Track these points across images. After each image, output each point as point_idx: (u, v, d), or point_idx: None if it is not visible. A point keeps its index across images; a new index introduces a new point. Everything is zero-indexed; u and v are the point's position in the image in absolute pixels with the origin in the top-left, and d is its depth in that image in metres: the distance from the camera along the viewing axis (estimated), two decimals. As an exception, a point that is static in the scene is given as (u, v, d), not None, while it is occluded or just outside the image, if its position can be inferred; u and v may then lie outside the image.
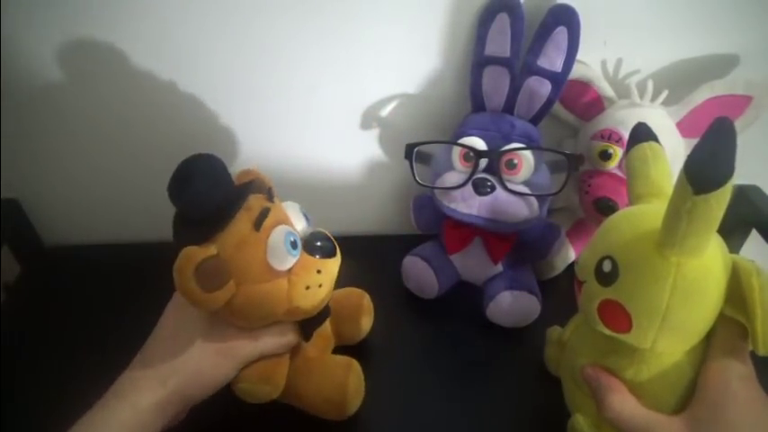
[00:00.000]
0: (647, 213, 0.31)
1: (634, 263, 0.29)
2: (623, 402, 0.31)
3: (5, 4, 0.42)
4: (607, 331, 0.31)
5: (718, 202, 0.25)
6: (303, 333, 0.38)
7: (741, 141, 0.45)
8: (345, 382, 0.38)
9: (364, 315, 0.44)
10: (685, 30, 0.46)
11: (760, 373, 0.30)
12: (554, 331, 0.42)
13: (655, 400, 0.31)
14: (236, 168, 0.53)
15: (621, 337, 0.30)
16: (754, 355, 0.29)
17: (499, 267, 0.48)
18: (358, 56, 0.46)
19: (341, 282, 0.52)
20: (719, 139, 0.25)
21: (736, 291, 0.28)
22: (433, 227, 0.50)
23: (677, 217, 0.26)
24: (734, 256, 0.30)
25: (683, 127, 0.45)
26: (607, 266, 0.30)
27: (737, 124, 0.44)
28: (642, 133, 0.35)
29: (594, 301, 0.31)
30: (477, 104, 0.46)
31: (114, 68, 0.46)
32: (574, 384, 0.37)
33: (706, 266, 0.28)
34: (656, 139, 0.35)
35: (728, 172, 0.25)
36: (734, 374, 0.29)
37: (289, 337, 0.38)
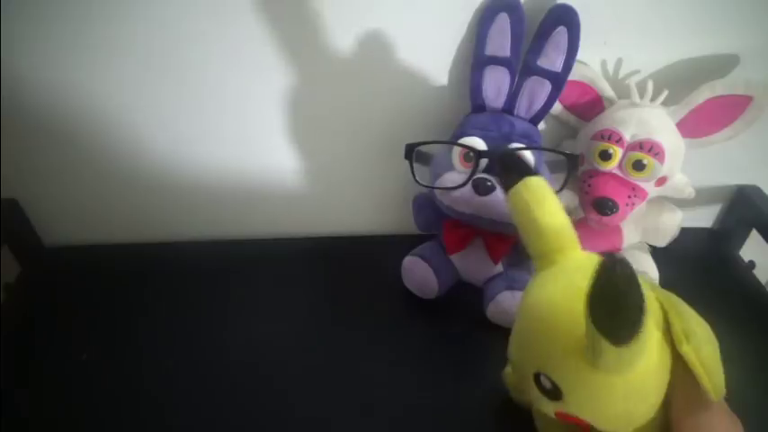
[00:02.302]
0: (564, 311, 0.27)
1: (574, 385, 0.27)
2: None
3: (5, 4, 0.42)
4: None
5: (637, 346, 0.23)
6: None
7: (741, 141, 0.46)
8: None
9: None
10: (685, 30, 0.46)
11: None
12: (508, 373, 0.40)
13: None
14: (238, 169, 0.53)
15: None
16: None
17: (499, 267, 0.48)
18: (358, 56, 0.46)
19: (340, 282, 0.53)
20: (618, 280, 0.22)
21: (673, 325, 0.27)
22: (433, 227, 0.50)
23: (602, 362, 0.24)
24: (662, 300, 0.27)
25: (684, 127, 0.45)
26: (546, 383, 0.27)
27: (737, 124, 0.44)
28: (514, 171, 0.30)
29: (548, 409, 0.29)
30: (477, 104, 0.46)
31: (116, 68, 0.46)
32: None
33: (649, 367, 0.26)
34: (530, 171, 0.31)
35: (638, 318, 0.22)
36: (704, 420, 0.27)
37: None
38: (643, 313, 0.22)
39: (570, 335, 0.26)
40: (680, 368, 0.27)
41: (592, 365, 0.25)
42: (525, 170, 0.30)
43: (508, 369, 0.40)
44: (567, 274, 0.29)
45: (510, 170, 0.31)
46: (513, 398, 0.40)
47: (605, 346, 0.23)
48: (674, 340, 0.26)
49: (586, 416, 0.27)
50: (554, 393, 0.27)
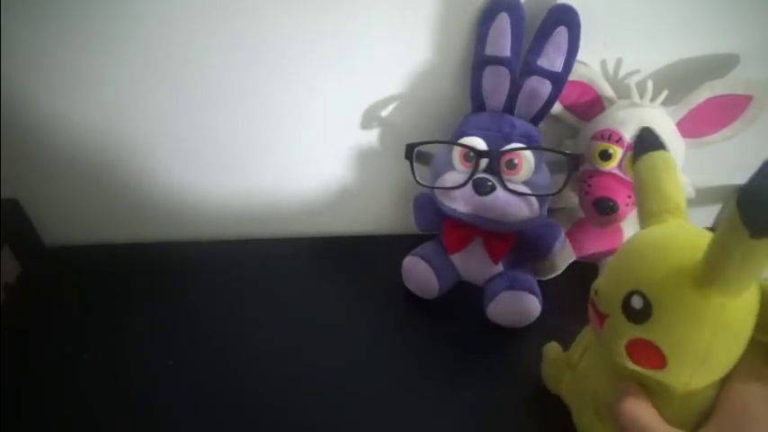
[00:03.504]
0: (678, 241, 0.28)
1: (671, 302, 0.27)
2: (639, 408, 0.29)
3: (5, 4, 0.42)
4: (636, 368, 0.29)
5: None
6: None
7: (741, 141, 0.46)
8: None
9: None
10: (685, 30, 0.46)
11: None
12: (552, 349, 0.40)
13: (678, 425, 0.29)
14: (238, 170, 0.53)
15: (651, 373, 0.29)
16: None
17: (499, 267, 0.48)
18: (358, 56, 0.46)
19: (341, 282, 0.53)
20: None
21: (764, 315, 0.27)
22: (433, 227, 0.50)
23: (727, 259, 0.24)
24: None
25: (683, 127, 0.45)
26: (638, 303, 0.27)
27: (737, 124, 0.44)
28: (650, 141, 0.33)
29: (623, 338, 0.29)
30: (478, 104, 0.46)
31: (115, 68, 0.46)
32: (594, 413, 0.34)
33: (747, 305, 0.26)
34: (664, 146, 0.33)
35: None
36: (754, 396, 0.27)
37: None
38: None
39: (682, 258, 0.27)
40: (755, 347, 0.27)
41: (696, 284, 0.26)
42: (662, 146, 0.33)
43: (551, 345, 0.41)
44: (681, 226, 0.30)
45: (648, 141, 0.33)
46: (545, 376, 0.41)
47: (741, 237, 0.23)
48: None
49: (667, 342, 0.27)
50: (642, 313, 0.27)
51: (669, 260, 0.27)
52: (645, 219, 0.32)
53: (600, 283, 0.31)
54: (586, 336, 0.37)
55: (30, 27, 0.43)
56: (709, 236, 0.28)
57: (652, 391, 0.30)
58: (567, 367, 0.38)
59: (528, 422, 0.41)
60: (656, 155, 0.33)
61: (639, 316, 0.27)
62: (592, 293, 0.31)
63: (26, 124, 0.49)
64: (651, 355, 0.28)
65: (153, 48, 0.45)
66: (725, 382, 0.29)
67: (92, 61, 0.45)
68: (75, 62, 0.45)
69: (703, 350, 0.27)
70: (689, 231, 0.29)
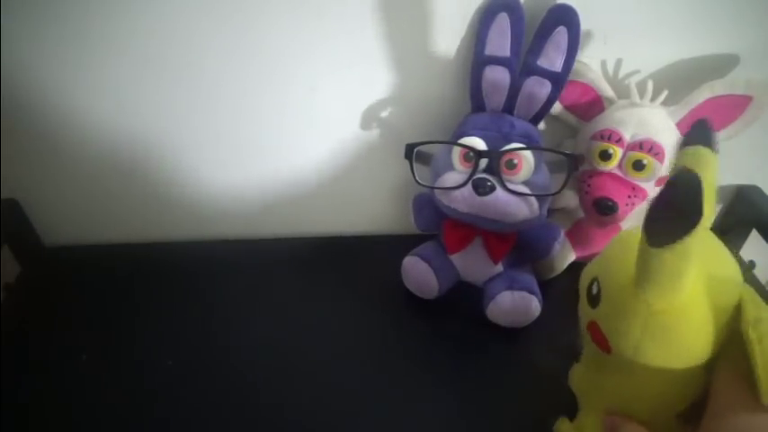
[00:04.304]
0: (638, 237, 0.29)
1: (612, 292, 0.29)
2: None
3: (5, 4, 0.42)
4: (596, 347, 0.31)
5: (675, 256, 0.24)
6: None
7: (741, 141, 0.46)
8: None
9: None
10: (685, 30, 0.46)
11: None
12: (564, 425, 0.38)
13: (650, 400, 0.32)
14: (238, 170, 0.53)
15: (606, 356, 0.31)
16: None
17: (499, 267, 0.48)
18: (358, 56, 0.46)
19: (341, 282, 0.53)
20: (679, 188, 0.23)
21: (739, 334, 0.27)
22: (433, 227, 0.50)
23: (641, 263, 0.26)
24: (744, 293, 0.28)
25: (683, 127, 0.45)
26: (594, 288, 0.30)
27: (737, 124, 0.44)
28: (701, 136, 0.30)
29: (584, 319, 0.32)
30: (477, 104, 0.46)
31: (115, 68, 0.46)
32: None
33: (681, 312, 0.27)
34: (711, 144, 0.30)
35: (683, 228, 0.23)
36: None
37: None
38: (689, 225, 0.23)
39: (631, 253, 0.27)
40: (729, 367, 0.28)
41: (635, 283, 0.27)
42: (710, 142, 0.30)
43: (562, 421, 0.39)
44: None
45: (699, 134, 0.31)
46: None
47: (643, 247, 0.25)
48: (742, 324, 0.26)
49: (606, 328, 0.30)
50: (595, 298, 0.30)
51: (626, 255, 0.28)
52: None
53: (586, 269, 0.33)
54: (591, 396, 0.36)
55: (30, 28, 0.43)
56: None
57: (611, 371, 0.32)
58: None
59: (528, 422, 0.41)
60: (702, 151, 0.30)
61: (593, 300, 0.30)
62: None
63: (26, 124, 0.49)
64: (600, 337, 0.30)
65: (153, 48, 0.45)
66: (705, 414, 0.28)
67: (92, 61, 0.45)
68: (76, 62, 0.45)
69: (634, 342, 0.28)
70: None
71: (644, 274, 0.26)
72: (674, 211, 0.23)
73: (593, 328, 0.31)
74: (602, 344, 0.30)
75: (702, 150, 0.30)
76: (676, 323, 0.27)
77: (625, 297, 0.28)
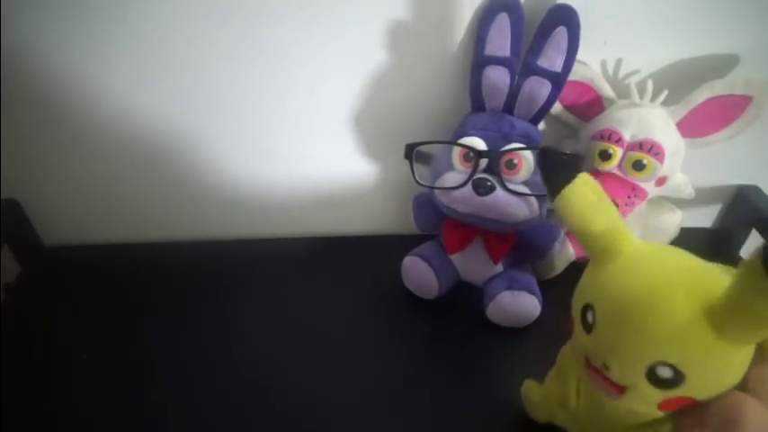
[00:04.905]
0: (674, 290, 0.26)
1: (701, 363, 0.26)
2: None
3: (5, 4, 0.42)
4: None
5: None
6: None
7: (741, 141, 0.46)
8: None
9: None
10: (685, 30, 0.46)
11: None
12: (532, 390, 0.38)
13: None
14: (238, 170, 0.53)
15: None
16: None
17: (499, 267, 0.48)
18: (358, 56, 0.46)
19: (341, 282, 0.53)
20: None
21: None
22: (433, 227, 0.50)
23: (758, 320, 0.24)
24: None
25: (684, 127, 0.45)
26: (666, 373, 0.26)
27: (737, 124, 0.44)
28: (562, 165, 0.30)
29: (653, 402, 0.27)
30: (477, 104, 0.46)
31: (114, 68, 0.46)
32: None
33: (745, 350, 0.26)
34: (578, 166, 0.31)
35: None
36: (750, 402, 0.27)
37: None
38: None
39: (691, 315, 0.25)
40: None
41: (720, 336, 0.24)
42: (575, 165, 0.29)
43: (529, 384, 0.39)
44: (649, 261, 0.28)
45: (557, 166, 0.31)
46: (533, 415, 0.39)
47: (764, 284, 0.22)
48: None
49: (704, 393, 0.27)
50: (674, 380, 0.26)
51: (681, 318, 0.25)
52: (599, 254, 0.30)
53: (608, 355, 0.28)
54: (570, 371, 0.35)
55: (31, 28, 0.43)
56: (696, 264, 0.27)
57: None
58: (561, 407, 0.36)
59: (528, 422, 0.41)
60: (581, 182, 0.30)
61: (671, 383, 0.26)
62: (596, 365, 0.29)
63: (26, 124, 0.49)
64: (686, 403, 0.27)
65: (153, 50, 0.45)
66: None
67: (93, 62, 0.45)
68: (76, 63, 0.45)
69: (732, 383, 0.27)
70: (675, 267, 0.27)
71: (761, 330, 0.24)
72: None
73: (673, 401, 0.27)
74: (689, 406, 0.27)
75: (582, 181, 0.30)
76: (738, 357, 0.26)
77: (721, 353, 0.25)
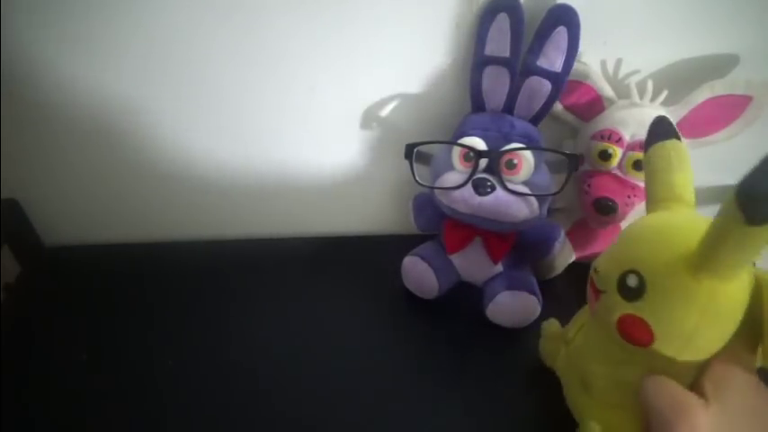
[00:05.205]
0: (678, 227, 0.30)
1: (663, 282, 0.28)
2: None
3: (5, 4, 0.42)
4: (623, 342, 0.30)
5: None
6: None
7: (741, 141, 0.46)
8: None
9: None
10: (685, 30, 0.46)
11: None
12: (551, 325, 0.42)
13: None
14: (239, 170, 0.53)
15: (638, 348, 0.30)
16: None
17: (499, 267, 0.48)
18: (358, 56, 0.46)
19: (341, 282, 0.53)
20: None
21: (754, 303, 0.28)
22: (433, 227, 0.50)
23: (722, 245, 0.26)
24: (755, 268, 0.29)
25: (683, 127, 0.45)
26: (633, 281, 0.29)
27: (737, 124, 0.44)
28: (663, 130, 0.34)
29: (615, 313, 0.30)
30: (477, 104, 0.46)
31: (115, 68, 0.46)
32: (581, 387, 0.36)
33: (737, 290, 0.28)
34: (678, 135, 0.34)
35: None
36: (734, 373, 0.29)
37: None
38: None
39: (679, 241, 0.28)
40: (741, 335, 0.29)
41: (694, 268, 0.27)
42: (676, 134, 0.33)
43: (551, 321, 0.43)
44: (684, 213, 0.32)
45: (661, 129, 0.34)
46: (542, 349, 0.43)
47: (737, 223, 0.24)
48: (764, 291, 0.28)
49: (656, 320, 0.28)
50: (636, 291, 0.29)
51: (666, 243, 0.29)
52: (650, 204, 0.34)
53: (599, 261, 0.32)
54: (583, 314, 0.38)
55: (31, 28, 0.43)
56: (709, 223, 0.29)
57: (640, 375, 0.31)
58: (563, 343, 0.39)
59: (528, 422, 0.41)
60: (669, 144, 0.33)
61: (633, 294, 0.29)
62: (591, 271, 0.33)
63: (26, 124, 0.49)
64: (640, 330, 0.29)
65: (154, 49, 0.45)
66: (706, 362, 0.30)
67: (93, 63, 0.45)
68: (76, 63, 0.45)
69: (690, 330, 0.28)
70: (690, 218, 0.30)
71: (720, 256, 0.26)
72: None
73: (630, 321, 0.29)
74: (641, 337, 0.29)
75: (674, 142, 0.33)
76: (734, 301, 0.28)
77: (684, 284, 0.27)
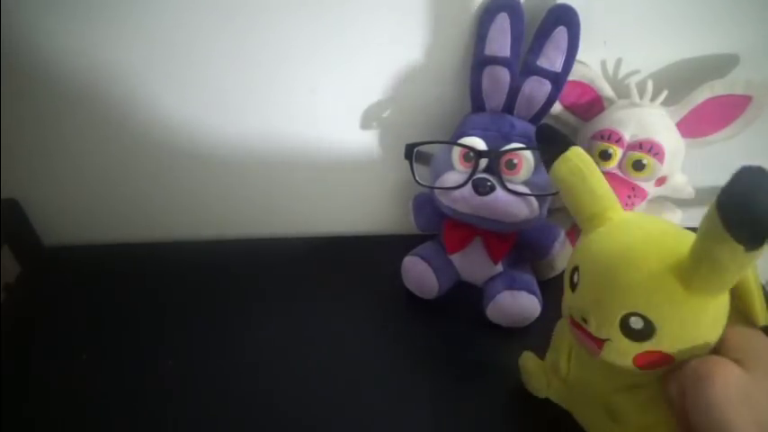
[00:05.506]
0: (648, 247, 0.28)
1: (670, 315, 0.27)
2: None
3: (5, 4, 0.42)
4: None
5: (756, 256, 0.24)
6: None
7: (741, 141, 0.46)
8: None
9: None
10: (685, 30, 0.46)
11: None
12: (529, 360, 0.41)
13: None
14: (239, 170, 0.53)
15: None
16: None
17: (499, 267, 0.48)
18: (358, 56, 0.46)
19: (341, 282, 0.53)
20: (759, 187, 0.23)
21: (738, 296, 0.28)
22: (433, 227, 0.50)
23: (724, 271, 0.25)
24: None
25: (684, 127, 0.45)
26: (637, 324, 0.27)
27: (737, 124, 0.44)
28: (556, 141, 0.32)
29: (630, 356, 0.29)
30: (477, 104, 0.46)
31: (115, 68, 0.46)
32: (608, 418, 0.34)
33: (721, 303, 0.28)
34: (571, 141, 0.33)
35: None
36: (720, 361, 0.28)
37: None
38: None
39: (662, 269, 0.27)
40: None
41: (689, 289, 0.26)
42: (569, 141, 0.32)
43: (526, 354, 0.41)
44: (631, 226, 0.30)
45: (552, 141, 0.33)
46: (530, 387, 0.41)
47: (733, 250, 0.23)
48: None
49: (675, 348, 0.28)
50: (645, 331, 0.27)
51: (653, 272, 0.27)
52: (585, 223, 0.32)
53: (586, 309, 0.30)
54: (562, 338, 0.37)
55: (32, 27, 0.43)
56: (674, 229, 0.29)
57: (656, 375, 0.30)
58: (554, 375, 0.38)
59: (528, 422, 0.41)
60: (571, 154, 0.32)
61: (643, 335, 0.28)
62: (575, 318, 0.31)
63: (26, 124, 0.49)
64: (659, 359, 0.28)
65: (156, 50, 0.45)
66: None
67: (93, 62, 0.45)
68: (76, 63, 0.45)
69: (706, 338, 0.28)
70: (654, 231, 0.29)
71: (727, 280, 0.26)
72: (758, 211, 0.23)
73: (647, 356, 0.28)
74: (662, 363, 0.28)
75: (579, 149, 0.32)
76: (729, 299, 0.28)
77: (691, 307, 0.27)
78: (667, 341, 0.27)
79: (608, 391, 0.33)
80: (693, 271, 0.26)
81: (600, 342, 0.29)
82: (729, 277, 0.25)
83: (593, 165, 0.32)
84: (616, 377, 0.32)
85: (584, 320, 0.30)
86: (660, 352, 0.28)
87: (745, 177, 0.24)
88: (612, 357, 0.29)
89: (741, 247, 0.23)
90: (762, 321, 0.28)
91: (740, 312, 0.29)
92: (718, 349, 0.28)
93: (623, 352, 0.29)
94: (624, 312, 0.28)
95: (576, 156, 0.32)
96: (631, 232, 0.29)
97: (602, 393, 0.33)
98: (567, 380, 0.36)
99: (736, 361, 0.27)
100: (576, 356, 0.36)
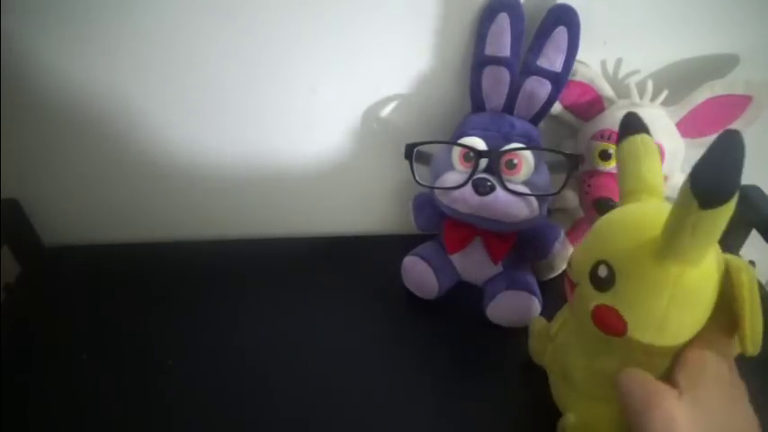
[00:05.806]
0: (643, 216, 0.31)
1: (632, 271, 0.29)
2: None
3: (5, 4, 0.42)
4: (600, 333, 0.31)
5: (724, 215, 0.25)
6: None
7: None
8: None
9: None
10: (685, 30, 0.46)
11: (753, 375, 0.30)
12: (538, 322, 0.42)
13: None
14: (239, 170, 0.53)
15: (617, 339, 0.30)
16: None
17: (499, 267, 0.48)
18: (358, 56, 0.46)
19: (341, 282, 0.53)
20: (726, 151, 0.25)
21: (727, 289, 0.29)
22: (433, 227, 0.50)
23: (680, 229, 0.26)
24: (725, 255, 0.30)
25: (683, 127, 0.45)
26: (603, 272, 0.30)
27: (737, 124, 0.44)
28: (633, 125, 0.35)
29: (588, 304, 0.31)
30: (477, 104, 0.46)
31: (115, 68, 0.46)
32: (563, 381, 0.37)
33: (704, 274, 0.28)
34: (647, 130, 0.35)
35: (735, 186, 0.24)
36: (709, 359, 0.30)
37: None
38: (737, 182, 0.24)
39: (645, 231, 0.29)
40: (717, 318, 0.29)
41: (656, 258, 0.28)
42: (645, 129, 0.34)
43: (537, 318, 0.44)
44: (651, 203, 0.32)
45: (631, 125, 0.35)
46: (531, 347, 0.43)
47: (690, 210, 0.25)
48: (733, 274, 0.28)
49: (628, 309, 0.29)
50: (606, 281, 0.30)
51: (633, 233, 0.29)
52: (621, 198, 0.34)
53: (573, 253, 0.34)
54: (565, 310, 0.39)
55: (32, 28, 0.43)
56: None
57: (617, 366, 0.31)
58: (548, 339, 0.40)
59: (529, 422, 0.41)
60: (638, 138, 0.34)
61: (604, 284, 0.30)
62: (566, 264, 0.34)
63: (27, 124, 0.49)
64: (613, 320, 0.30)
65: (156, 50, 0.45)
66: (683, 348, 0.30)
67: (95, 63, 0.45)
68: (77, 64, 0.45)
69: (661, 316, 0.29)
70: (656, 207, 0.31)
71: (681, 242, 0.26)
72: (721, 171, 0.25)
73: (603, 311, 0.30)
74: (615, 327, 0.30)
75: (643, 136, 0.34)
76: (702, 284, 0.28)
77: (651, 272, 0.28)
78: (621, 297, 0.29)
79: (571, 353, 0.36)
80: (661, 235, 0.28)
81: (573, 286, 0.32)
82: (684, 239, 0.26)
83: (655, 154, 0.34)
84: (585, 345, 0.35)
85: (569, 265, 0.34)
86: (615, 311, 0.29)
87: (723, 141, 0.25)
88: (577, 303, 0.32)
89: (696, 203, 0.24)
90: (749, 350, 0.28)
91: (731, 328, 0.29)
92: (674, 366, 0.30)
93: (586, 298, 0.31)
94: (596, 259, 0.30)
95: (641, 140, 0.34)
96: (643, 207, 0.32)
97: (566, 355, 0.36)
98: (553, 342, 0.39)
99: (680, 381, 0.29)
100: (564, 323, 0.38)
